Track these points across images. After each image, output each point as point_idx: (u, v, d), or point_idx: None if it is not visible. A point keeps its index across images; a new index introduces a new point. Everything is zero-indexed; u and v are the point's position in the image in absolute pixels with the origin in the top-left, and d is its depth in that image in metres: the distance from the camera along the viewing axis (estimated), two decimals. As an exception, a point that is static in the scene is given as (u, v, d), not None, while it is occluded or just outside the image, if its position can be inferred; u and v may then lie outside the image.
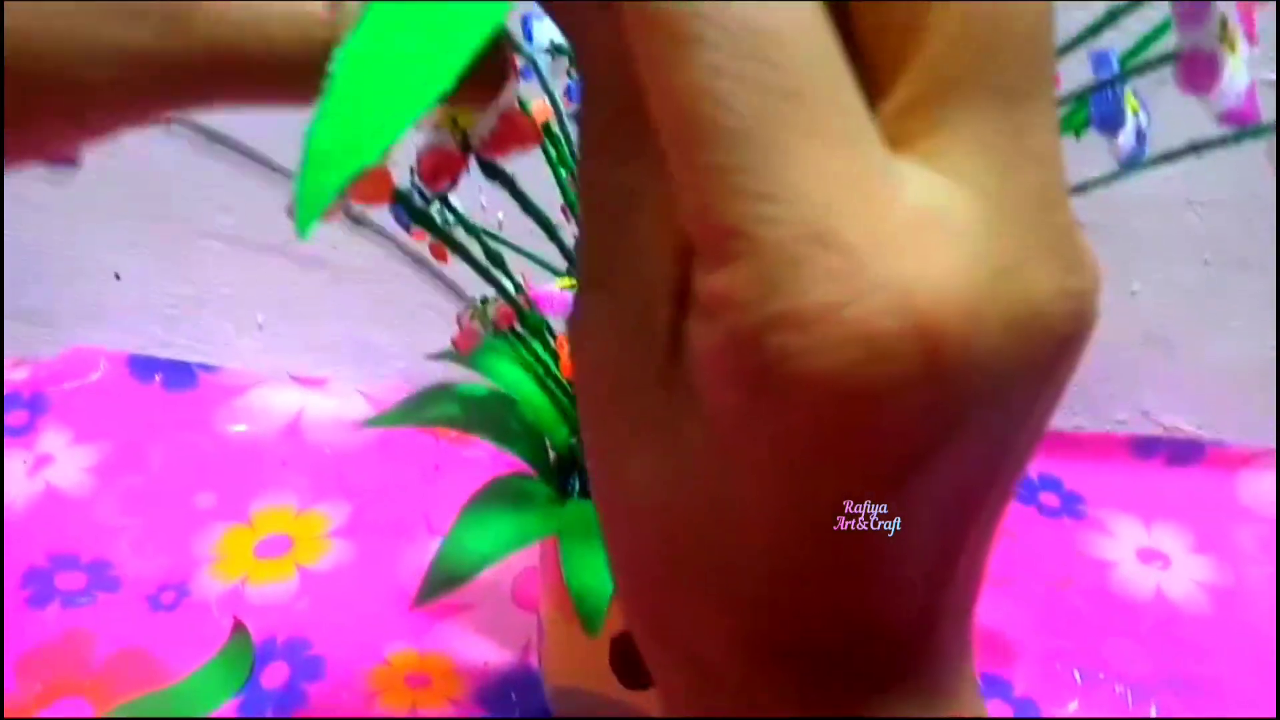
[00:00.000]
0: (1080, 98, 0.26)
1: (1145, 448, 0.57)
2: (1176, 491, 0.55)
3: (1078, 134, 0.26)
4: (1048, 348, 0.11)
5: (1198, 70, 0.20)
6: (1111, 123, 0.25)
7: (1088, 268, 0.12)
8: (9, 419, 0.56)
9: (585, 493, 0.33)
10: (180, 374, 0.59)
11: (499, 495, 0.31)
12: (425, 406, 0.33)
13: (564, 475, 0.34)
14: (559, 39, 0.31)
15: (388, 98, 0.14)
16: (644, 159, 0.12)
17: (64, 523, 0.50)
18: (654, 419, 0.13)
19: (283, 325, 0.58)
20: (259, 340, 0.59)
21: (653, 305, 0.13)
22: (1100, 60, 0.25)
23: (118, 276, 0.58)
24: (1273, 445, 0.55)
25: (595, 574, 0.27)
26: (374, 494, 0.53)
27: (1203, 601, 0.49)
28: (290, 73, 0.15)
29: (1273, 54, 0.44)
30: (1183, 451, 0.56)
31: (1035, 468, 0.56)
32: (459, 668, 0.44)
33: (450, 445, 0.55)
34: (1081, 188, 0.26)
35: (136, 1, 0.14)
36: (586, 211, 0.14)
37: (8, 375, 0.58)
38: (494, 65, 0.16)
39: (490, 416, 0.33)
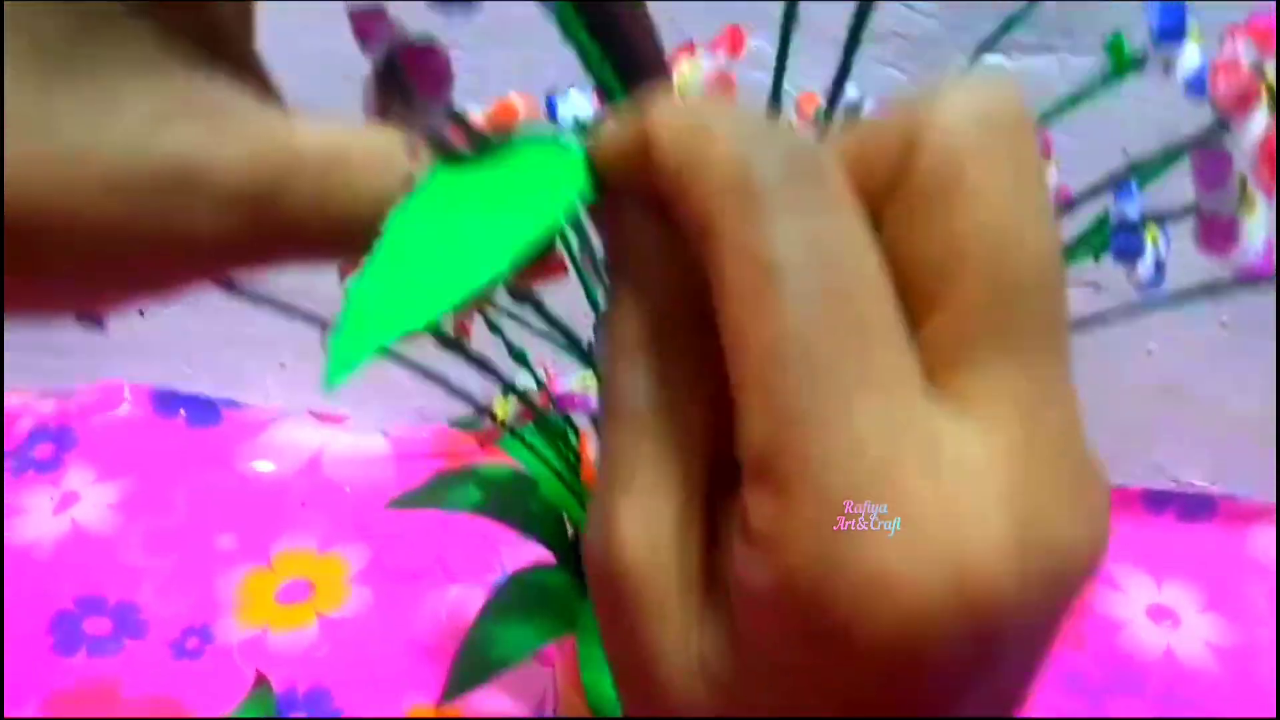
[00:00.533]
0: (1100, 223, 0.26)
1: (1157, 501, 0.57)
2: (1188, 546, 0.55)
3: (1096, 257, 0.26)
4: (1072, 590, 0.13)
5: (1216, 234, 0.21)
6: (1131, 254, 0.25)
7: (1103, 505, 0.13)
8: (36, 453, 0.57)
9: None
10: (204, 410, 0.59)
11: (519, 594, 0.31)
12: (446, 490, 0.34)
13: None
14: (583, 115, 0.32)
15: (439, 272, 0.14)
16: (679, 365, 0.13)
17: (90, 562, 0.51)
18: (686, 617, 0.13)
19: (305, 363, 0.59)
20: (281, 377, 0.60)
21: (685, 518, 0.13)
22: (1122, 191, 0.25)
23: (142, 313, 0.59)
24: (1286, 502, 0.55)
25: (606, 679, 0.28)
26: (392, 536, 0.53)
27: (1211, 663, 0.50)
28: (365, 236, 0.14)
29: None
30: (1195, 506, 0.57)
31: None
32: (475, 721, 0.45)
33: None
34: (1099, 319, 0.26)
35: (213, 184, 0.13)
36: (613, 416, 0.14)
37: (35, 407, 0.59)
38: (545, 256, 0.16)
39: (511, 500, 0.34)
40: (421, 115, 0.17)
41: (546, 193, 0.15)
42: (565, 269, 0.23)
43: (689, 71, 0.26)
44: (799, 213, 0.12)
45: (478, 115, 0.29)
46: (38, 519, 0.53)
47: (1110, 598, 0.53)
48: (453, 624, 0.49)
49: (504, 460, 0.36)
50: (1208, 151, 0.20)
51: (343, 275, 0.24)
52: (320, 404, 0.60)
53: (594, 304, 0.31)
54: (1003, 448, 0.12)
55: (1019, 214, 0.12)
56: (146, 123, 0.13)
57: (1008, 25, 0.27)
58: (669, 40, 0.18)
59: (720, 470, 0.13)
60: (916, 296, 0.12)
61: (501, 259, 0.14)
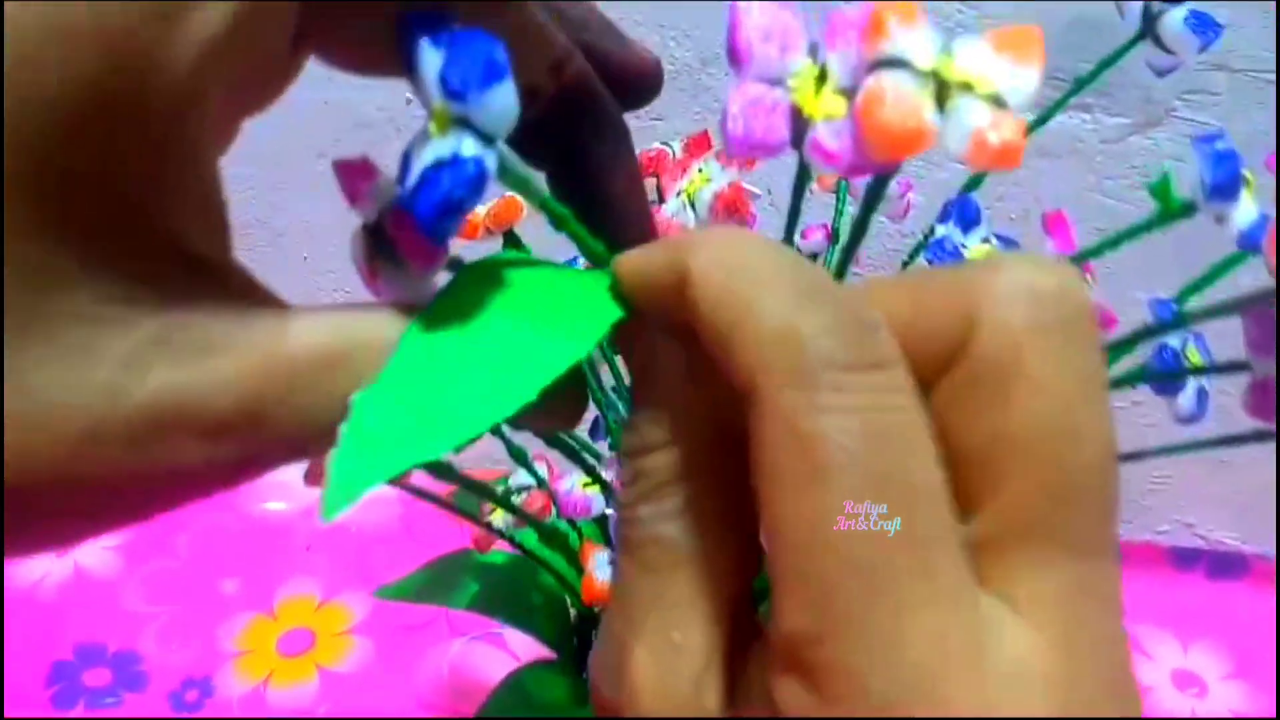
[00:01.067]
0: (1132, 342, 0.24)
1: (1186, 559, 0.55)
2: (1217, 606, 0.53)
3: (1133, 385, 0.25)
4: None
5: (1265, 402, 0.19)
6: (1171, 385, 0.23)
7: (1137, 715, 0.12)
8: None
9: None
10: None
11: (516, 697, 0.30)
12: (444, 582, 0.33)
13: (584, 646, 0.34)
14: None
15: (456, 399, 0.13)
16: (709, 501, 0.13)
17: (92, 608, 0.51)
18: None
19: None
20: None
21: (704, 667, 0.13)
22: (1161, 309, 0.24)
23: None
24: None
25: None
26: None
27: (1238, 736, 0.48)
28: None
29: None
30: (1225, 563, 0.55)
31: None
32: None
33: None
34: (1137, 456, 0.25)
35: (199, 417, 0.12)
36: (632, 550, 0.13)
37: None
38: (569, 399, 0.15)
39: (511, 591, 0.32)
40: (411, 283, 0.15)
41: (575, 318, 0.14)
42: (583, 411, 0.22)
43: (698, 181, 0.24)
44: (854, 396, 0.11)
45: (481, 213, 0.27)
46: (40, 562, 0.52)
47: (1134, 662, 0.51)
48: (454, 680, 0.48)
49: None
50: (1262, 313, 0.18)
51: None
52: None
53: (598, 402, 0.30)
54: (1047, 652, 0.12)
55: (1077, 410, 0.12)
56: (121, 369, 0.12)
57: (1077, 88, 0.26)
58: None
59: (741, 609, 0.13)
60: (963, 483, 0.12)
61: (527, 389, 0.13)
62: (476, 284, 0.14)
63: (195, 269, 0.13)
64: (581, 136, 0.16)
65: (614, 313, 0.14)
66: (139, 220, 0.12)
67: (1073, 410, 0.12)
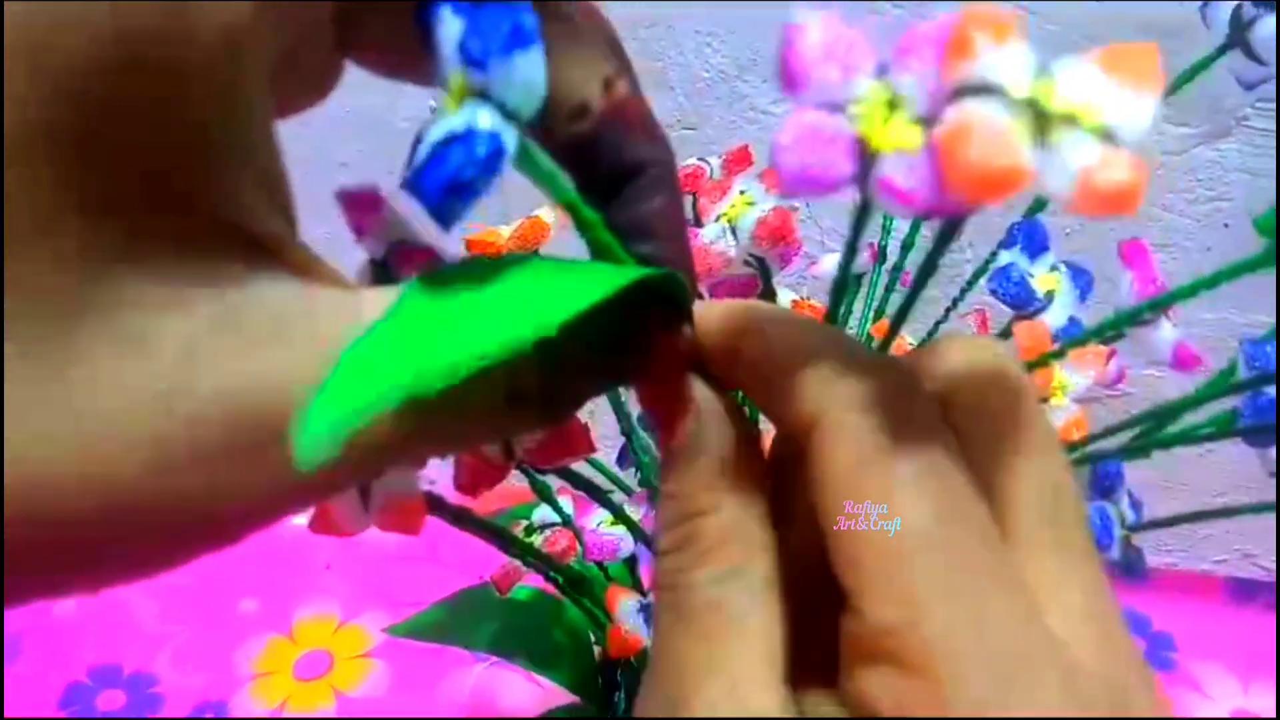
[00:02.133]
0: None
1: (1244, 591, 0.52)
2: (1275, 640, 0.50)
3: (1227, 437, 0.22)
4: None
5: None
6: (1265, 438, 0.21)
7: None
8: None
9: (628, 713, 0.31)
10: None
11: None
12: (461, 620, 0.31)
13: (610, 688, 0.32)
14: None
15: (433, 350, 0.12)
16: (760, 585, 0.13)
17: (109, 627, 0.50)
18: None
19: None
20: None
21: None
22: (1255, 352, 0.21)
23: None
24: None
25: None
26: (416, 605, 0.51)
27: (1303, 785, 0.45)
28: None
29: None
30: (1287, 597, 0.52)
31: (1122, 601, 0.52)
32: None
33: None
34: (1229, 512, 0.22)
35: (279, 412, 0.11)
36: (679, 615, 0.13)
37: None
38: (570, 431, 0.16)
39: (532, 630, 0.31)
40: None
41: (572, 286, 0.13)
42: (589, 448, 0.20)
43: (739, 205, 0.22)
44: (915, 423, 0.12)
45: (504, 234, 0.25)
46: (58, 574, 0.52)
47: (1193, 702, 0.48)
48: (475, 706, 0.47)
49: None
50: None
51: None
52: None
53: (626, 432, 0.28)
54: (1082, 633, 0.12)
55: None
56: (181, 361, 0.11)
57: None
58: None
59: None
60: None
61: (509, 340, 0.12)
62: (486, 262, 0.13)
63: (254, 249, 0.12)
64: (625, 157, 0.15)
65: (619, 280, 0.12)
66: (190, 197, 0.11)
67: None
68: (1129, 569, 0.22)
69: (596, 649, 0.33)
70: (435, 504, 0.22)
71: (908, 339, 0.29)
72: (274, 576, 0.52)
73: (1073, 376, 0.24)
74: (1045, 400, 0.24)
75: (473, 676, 0.48)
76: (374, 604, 0.51)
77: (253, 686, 0.47)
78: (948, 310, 0.30)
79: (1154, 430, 0.22)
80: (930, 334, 0.30)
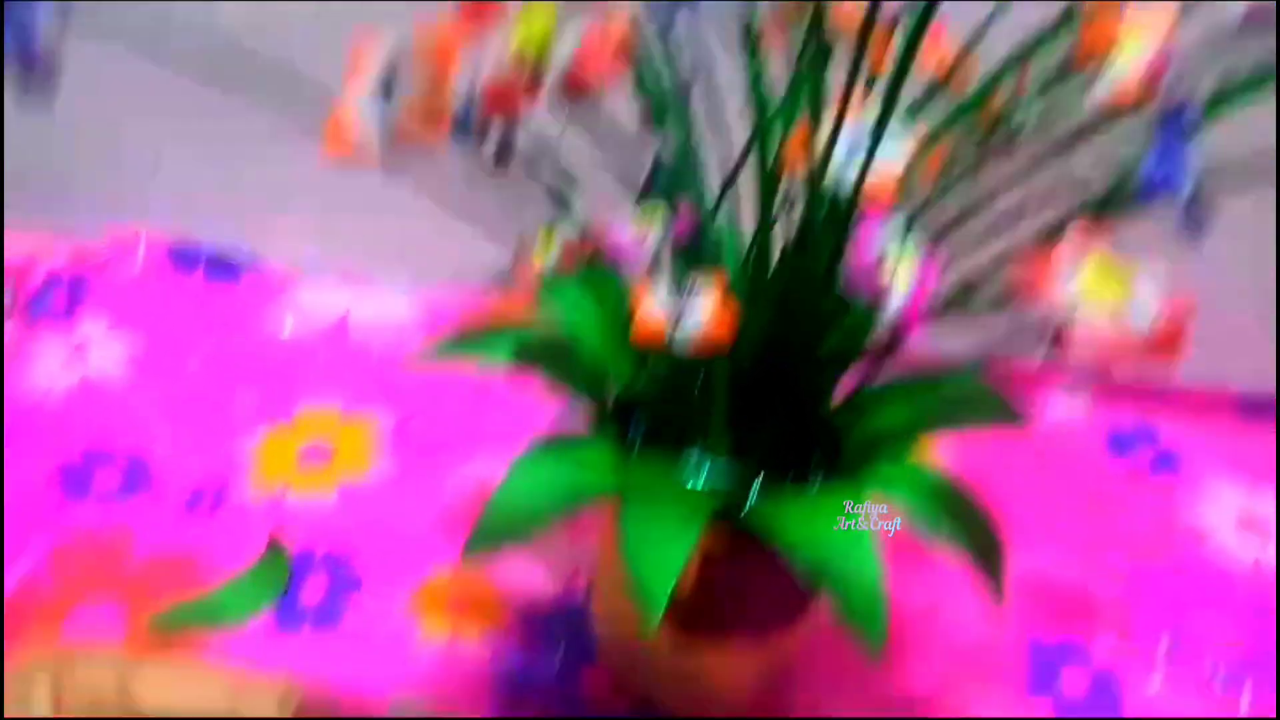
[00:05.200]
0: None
1: (1254, 408, 0.52)
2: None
3: None
4: None
5: None
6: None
7: None
8: (49, 302, 0.54)
9: (647, 445, 0.30)
10: (223, 267, 0.56)
11: (554, 447, 0.28)
12: (478, 345, 0.30)
13: (624, 424, 0.31)
14: None
15: None
16: None
17: (101, 416, 0.48)
18: None
19: (330, 222, 0.55)
20: (305, 237, 0.56)
21: None
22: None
23: (160, 163, 0.55)
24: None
25: (659, 552, 0.24)
26: (420, 405, 0.50)
27: (1305, 579, 0.45)
28: None
29: None
30: (1296, 411, 0.51)
31: (1131, 420, 0.52)
32: (502, 596, 0.42)
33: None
34: None
35: None
36: None
37: (47, 256, 0.55)
38: None
39: (552, 351, 0.30)
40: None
41: None
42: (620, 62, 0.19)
43: None
44: None
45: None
46: (48, 369, 0.50)
47: (1195, 505, 0.48)
48: (480, 496, 0.46)
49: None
50: None
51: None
52: (345, 264, 0.56)
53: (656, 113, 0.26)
54: None
55: None
56: None
57: None
58: None
59: None
60: None
61: None
62: None
63: None
64: None
65: None
66: None
67: None
68: (1193, 222, 0.21)
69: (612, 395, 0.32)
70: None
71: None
72: (272, 374, 0.51)
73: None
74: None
75: (477, 469, 0.47)
76: (376, 402, 0.50)
77: (253, 472, 0.46)
78: None
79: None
80: None
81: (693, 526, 0.24)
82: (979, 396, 0.30)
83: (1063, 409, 0.52)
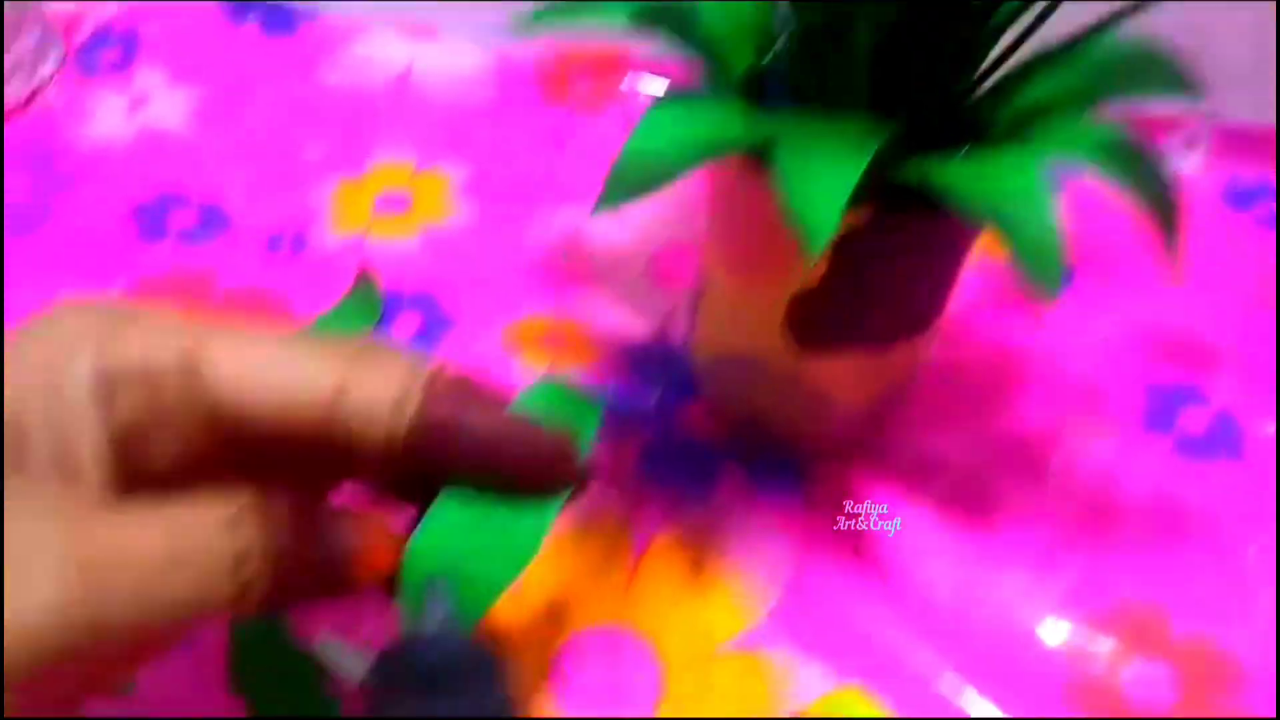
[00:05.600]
0: None
1: None
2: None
3: None
4: None
5: None
6: None
7: None
8: (102, 56, 0.51)
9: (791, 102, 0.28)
10: (278, 18, 0.52)
11: (688, 99, 0.25)
12: (588, 8, 0.27)
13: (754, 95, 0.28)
14: None
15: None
16: None
17: (169, 164, 0.47)
18: None
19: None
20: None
21: None
22: None
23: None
24: None
25: (820, 185, 0.22)
26: (496, 157, 0.48)
27: None
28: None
29: None
30: None
31: (1250, 170, 0.48)
32: (596, 335, 0.41)
33: (581, 116, 0.49)
34: None
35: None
36: None
37: (95, 11, 0.52)
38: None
39: (669, 21, 0.27)
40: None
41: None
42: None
43: None
44: None
45: None
46: (109, 119, 0.48)
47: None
48: (565, 245, 0.44)
49: None
50: None
51: None
52: (408, 13, 0.52)
53: None
54: None
55: None
56: None
57: None
58: None
59: None
60: None
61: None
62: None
63: None
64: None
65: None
66: None
67: None
68: None
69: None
70: None
71: None
72: (338, 127, 0.48)
73: None
74: None
75: (561, 218, 0.45)
76: (449, 154, 0.48)
77: (329, 218, 0.45)
78: None
79: None
80: None
81: (858, 157, 0.22)
82: (1144, 61, 0.27)
83: (1181, 162, 0.49)
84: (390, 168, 0.47)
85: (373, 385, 0.19)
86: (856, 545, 0.36)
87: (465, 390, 0.20)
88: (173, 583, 0.17)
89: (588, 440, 0.22)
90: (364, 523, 0.21)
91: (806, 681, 0.32)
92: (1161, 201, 0.25)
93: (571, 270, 0.43)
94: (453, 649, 0.19)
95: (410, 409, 0.19)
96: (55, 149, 0.47)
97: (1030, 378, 0.41)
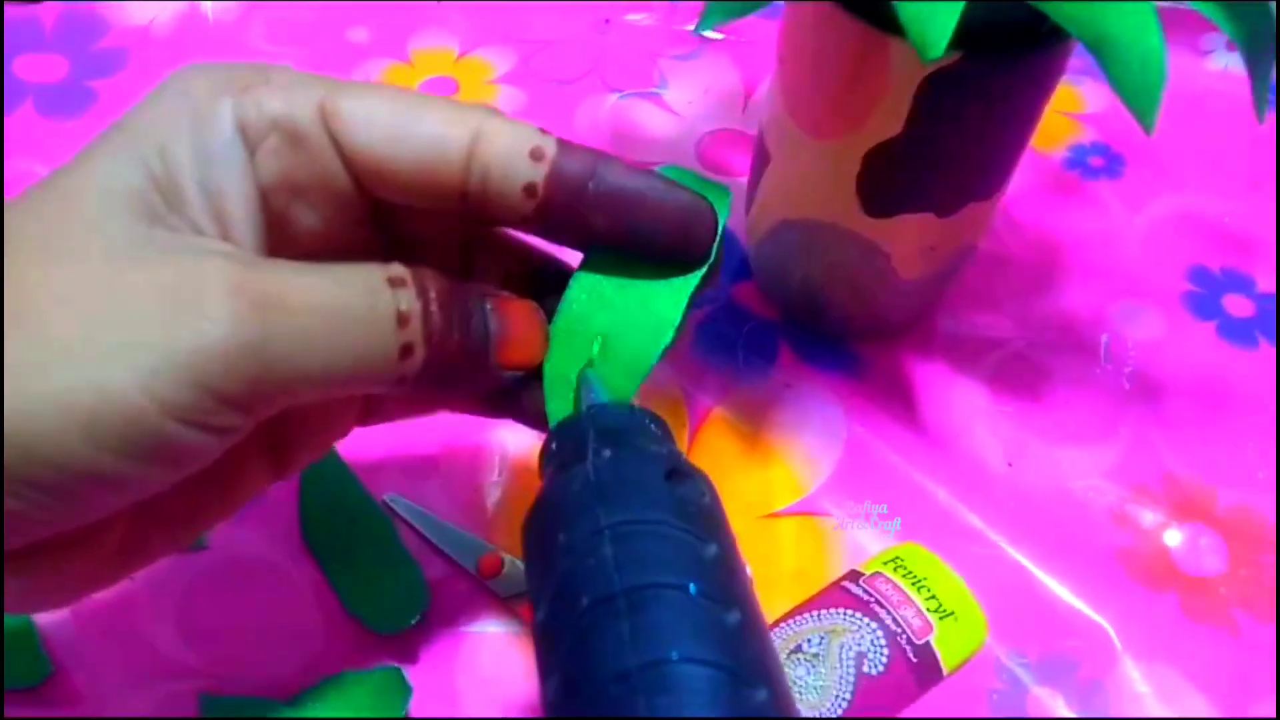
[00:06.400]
0: None
1: None
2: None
3: None
4: None
5: None
6: None
7: None
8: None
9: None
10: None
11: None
12: None
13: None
14: None
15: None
16: None
17: (214, 46, 0.46)
18: None
19: None
20: None
21: None
22: None
23: None
24: None
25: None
26: (540, 45, 0.47)
27: None
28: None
29: None
30: None
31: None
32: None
33: (622, 7, 0.48)
34: None
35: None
36: None
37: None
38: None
39: None
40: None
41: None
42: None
43: None
44: None
45: None
46: (150, 4, 0.47)
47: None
48: (614, 133, 0.44)
49: None
50: None
51: None
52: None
53: None
54: None
55: None
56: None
57: None
58: None
59: None
60: None
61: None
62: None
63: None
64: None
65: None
66: None
67: None
68: None
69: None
70: None
71: None
72: (378, 10, 0.48)
73: None
74: None
75: (608, 104, 0.45)
76: (493, 41, 0.47)
77: (377, 100, 0.44)
78: None
79: None
80: None
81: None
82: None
83: (1223, 59, 0.49)
84: (432, 54, 0.47)
85: (509, 136, 0.18)
86: (909, 417, 0.36)
87: (596, 152, 0.20)
88: (339, 331, 0.17)
89: (720, 219, 0.21)
90: (512, 308, 0.20)
91: (862, 541, 0.33)
92: (1256, 41, 0.25)
93: (620, 156, 0.43)
94: (620, 414, 0.19)
95: (550, 155, 0.19)
96: (93, 29, 0.46)
97: (1077, 265, 0.41)
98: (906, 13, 0.21)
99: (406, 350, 0.18)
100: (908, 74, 0.27)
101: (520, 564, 0.31)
